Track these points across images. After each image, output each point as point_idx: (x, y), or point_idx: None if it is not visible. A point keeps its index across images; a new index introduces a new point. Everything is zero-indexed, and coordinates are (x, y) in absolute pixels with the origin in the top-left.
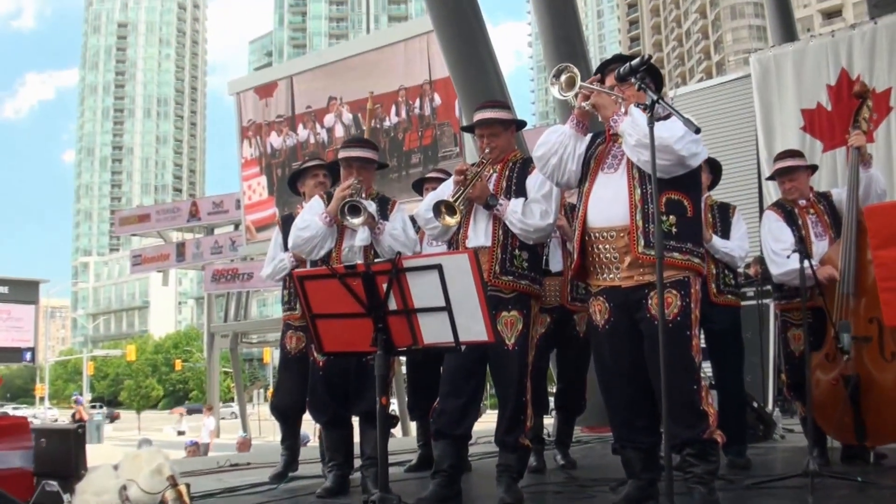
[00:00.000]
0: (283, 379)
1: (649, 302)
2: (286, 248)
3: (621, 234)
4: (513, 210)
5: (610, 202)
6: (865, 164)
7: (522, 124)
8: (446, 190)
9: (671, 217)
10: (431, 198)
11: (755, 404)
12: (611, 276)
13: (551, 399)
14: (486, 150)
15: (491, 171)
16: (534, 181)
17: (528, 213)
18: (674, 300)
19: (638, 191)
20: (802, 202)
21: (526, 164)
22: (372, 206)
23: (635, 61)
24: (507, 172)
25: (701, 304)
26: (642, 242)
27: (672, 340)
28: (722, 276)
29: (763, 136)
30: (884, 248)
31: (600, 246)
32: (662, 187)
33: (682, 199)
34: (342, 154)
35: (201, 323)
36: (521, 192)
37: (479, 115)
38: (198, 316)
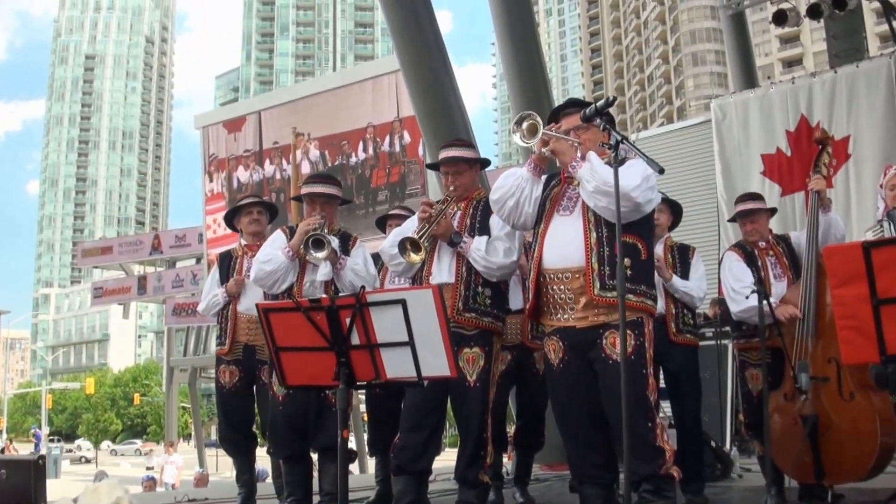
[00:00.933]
0: (224, 413)
1: (604, 341)
2: (222, 284)
3: (576, 276)
4: (476, 248)
5: (566, 244)
6: (825, 209)
7: (486, 163)
8: (410, 226)
9: (626, 260)
10: (396, 234)
11: (713, 443)
12: (565, 316)
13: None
14: (451, 188)
15: (455, 209)
16: (497, 219)
17: (491, 251)
18: (628, 340)
19: (594, 234)
20: (762, 244)
21: (489, 203)
22: (335, 242)
23: (600, 102)
24: (470, 210)
25: (660, 344)
26: (598, 285)
27: (627, 379)
28: (681, 316)
29: (723, 180)
30: (843, 287)
31: (555, 287)
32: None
33: (636, 243)
34: (305, 190)
35: (160, 357)
36: (484, 229)
37: (444, 153)
38: (157, 350)
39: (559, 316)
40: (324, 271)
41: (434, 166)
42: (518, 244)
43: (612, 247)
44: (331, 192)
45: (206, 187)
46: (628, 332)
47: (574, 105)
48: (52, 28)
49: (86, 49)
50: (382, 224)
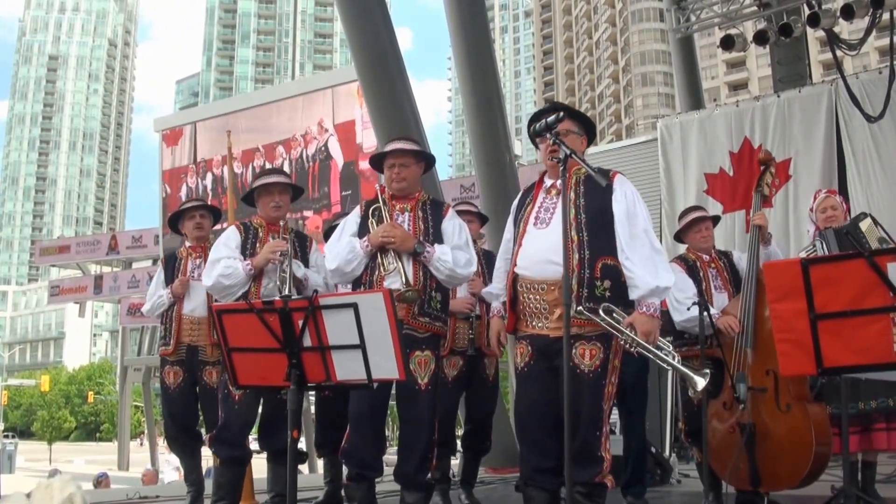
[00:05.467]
0: (170, 413)
1: (573, 351)
2: (167, 286)
3: (552, 288)
4: (441, 257)
5: (544, 257)
6: (766, 243)
7: (432, 161)
8: (352, 220)
9: (606, 282)
10: (337, 253)
11: (653, 450)
12: (539, 324)
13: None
14: (395, 182)
15: (402, 213)
16: (452, 227)
17: (456, 262)
18: (597, 353)
19: (576, 255)
20: (706, 257)
21: (437, 207)
22: (301, 271)
23: (551, 118)
24: (420, 213)
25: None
26: (575, 305)
27: (588, 390)
28: None
29: (667, 197)
30: (780, 302)
31: (531, 296)
32: (598, 254)
33: (616, 265)
34: (263, 181)
35: (115, 356)
36: (437, 234)
37: (390, 146)
38: (112, 349)
39: (534, 323)
40: (299, 273)
41: (377, 163)
42: (474, 253)
43: (593, 269)
44: (286, 181)
45: (172, 191)
46: (598, 344)
47: (558, 109)
48: (16, 28)
49: (49, 50)
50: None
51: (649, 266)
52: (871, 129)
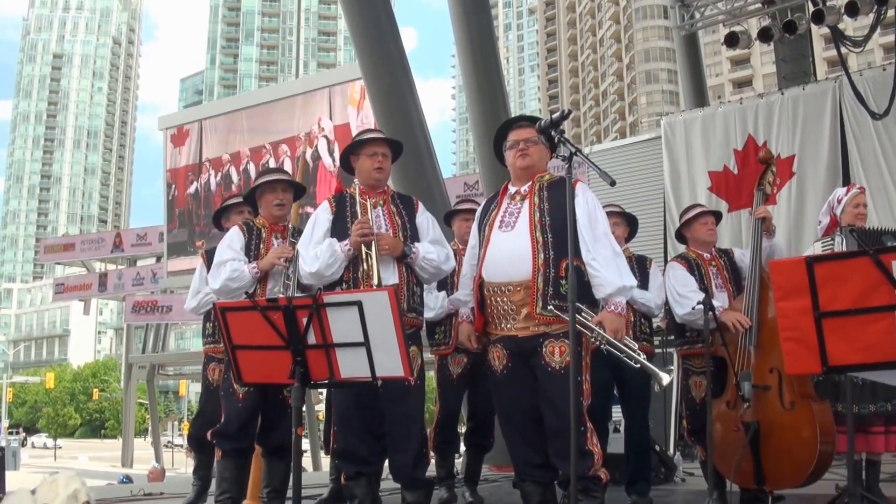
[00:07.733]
0: (204, 410)
1: (543, 350)
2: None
3: (518, 289)
4: (426, 256)
5: (509, 259)
6: (769, 235)
7: (400, 150)
8: (323, 216)
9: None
10: (316, 256)
11: (657, 448)
12: (508, 325)
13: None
14: (376, 172)
15: (375, 206)
16: (427, 223)
17: (439, 258)
18: (566, 350)
19: (541, 255)
20: (706, 255)
21: (407, 201)
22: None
23: (555, 115)
24: (393, 208)
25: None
26: (541, 304)
27: (563, 385)
28: (638, 325)
29: (671, 195)
30: (786, 300)
31: (498, 299)
32: (562, 254)
33: (579, 266)
34: (266, 178)
35: (120, 353)
36: (413, 229)
37: (372, 134)
38: (116, 346)
39: (503, 325)
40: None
41: (349, 153)
42: (450, 248)
43: (558, 269)
44: (290, 178)
45: (180, 191)
46: (566, 342)
47: (525, 120)
48: (21, 26)
49: (54, 48)
50: None
51: (613, 267)
52: (875, 126)
